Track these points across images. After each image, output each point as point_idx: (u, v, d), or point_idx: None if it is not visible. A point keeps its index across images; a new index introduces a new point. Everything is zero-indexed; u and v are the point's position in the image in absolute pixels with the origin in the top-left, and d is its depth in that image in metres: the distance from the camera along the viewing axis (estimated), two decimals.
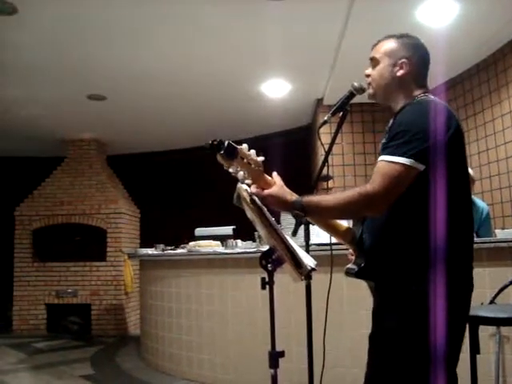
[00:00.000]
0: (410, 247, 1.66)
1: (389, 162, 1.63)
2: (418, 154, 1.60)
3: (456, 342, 1.67)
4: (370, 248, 1.77)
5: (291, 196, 1.73)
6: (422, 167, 1.61)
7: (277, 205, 1.73)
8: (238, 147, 1.66)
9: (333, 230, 1.95)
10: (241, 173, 1.68)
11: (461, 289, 1.68)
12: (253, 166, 1.70)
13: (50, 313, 7.55)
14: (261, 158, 1.73)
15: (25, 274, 7.55)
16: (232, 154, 1.64)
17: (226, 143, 1.62)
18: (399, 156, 1.61)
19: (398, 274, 1.68)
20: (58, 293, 7.48)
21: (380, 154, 1.71)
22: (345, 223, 1.97)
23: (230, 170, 1.68)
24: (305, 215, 1.70)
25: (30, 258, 7.61)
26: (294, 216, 1.71)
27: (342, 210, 1.69)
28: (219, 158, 1.64)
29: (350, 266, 1.85)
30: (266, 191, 1.72)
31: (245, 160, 1.68)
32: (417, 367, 1.61)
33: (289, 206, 1.70)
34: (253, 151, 1.72)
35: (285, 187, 1.75)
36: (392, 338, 1.67)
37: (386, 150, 1.67)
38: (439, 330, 1.58)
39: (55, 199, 7.73)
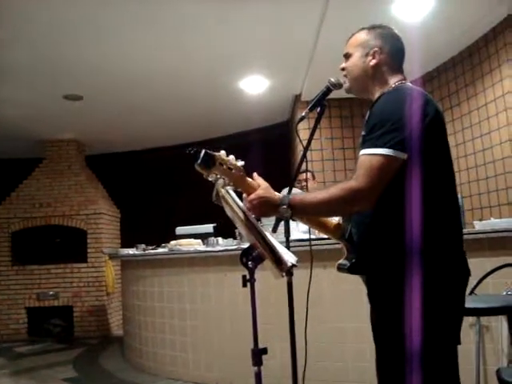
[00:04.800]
0: (393, 239, 1.64)
1: (370, 155, 1.61)
2: (399, 143, 1.58)
3: (448, 329, 1.67)
4: (358, 243, 1.76)
5: (277, 195, 1.72)
6: (404, 156, 1.59)
7: (264, 206, 1.70)
8: (216, 154, 1.65)
9: (321, 226, 1.94)
10: (220, 180, 1.69)
11: (446, 278, 1.64)
12: (233, 171, 1.70)
13: (31, 316, 7.44)
14: (241, 163, 1.72)
15: (4, 278, 7.44)
16: (209, 162, 1.63)
17: (203, 153, 1.62)
18: (380, 147, 1.59)
19: (384, 267, 1.67)
20: (38, 296, 7.39)
21: (360, 148, 1.69)
22: (335, 219, 1.96)
23: (210, 179, 1.70)
24: (292, 214, 1.68)
25: (9, 261, 7.50)
26: (282, 216, 1.70)
27: (327, 207, 1.66)
28: (197, 167, 1.64)
29: (341, 261, 1.84)
30: (252, 195, 1.71)
31: (224, 166, 1.67)
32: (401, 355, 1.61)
33: (276, 205, 1.68)
34: (232, 156, 1.71)
35: (270, 188, 1.74)
36: (385, 329, 1.70)
37: (366, 143, 1.65)
38: (422, 320, 1.58)
39: (34, 201, 7.62)
